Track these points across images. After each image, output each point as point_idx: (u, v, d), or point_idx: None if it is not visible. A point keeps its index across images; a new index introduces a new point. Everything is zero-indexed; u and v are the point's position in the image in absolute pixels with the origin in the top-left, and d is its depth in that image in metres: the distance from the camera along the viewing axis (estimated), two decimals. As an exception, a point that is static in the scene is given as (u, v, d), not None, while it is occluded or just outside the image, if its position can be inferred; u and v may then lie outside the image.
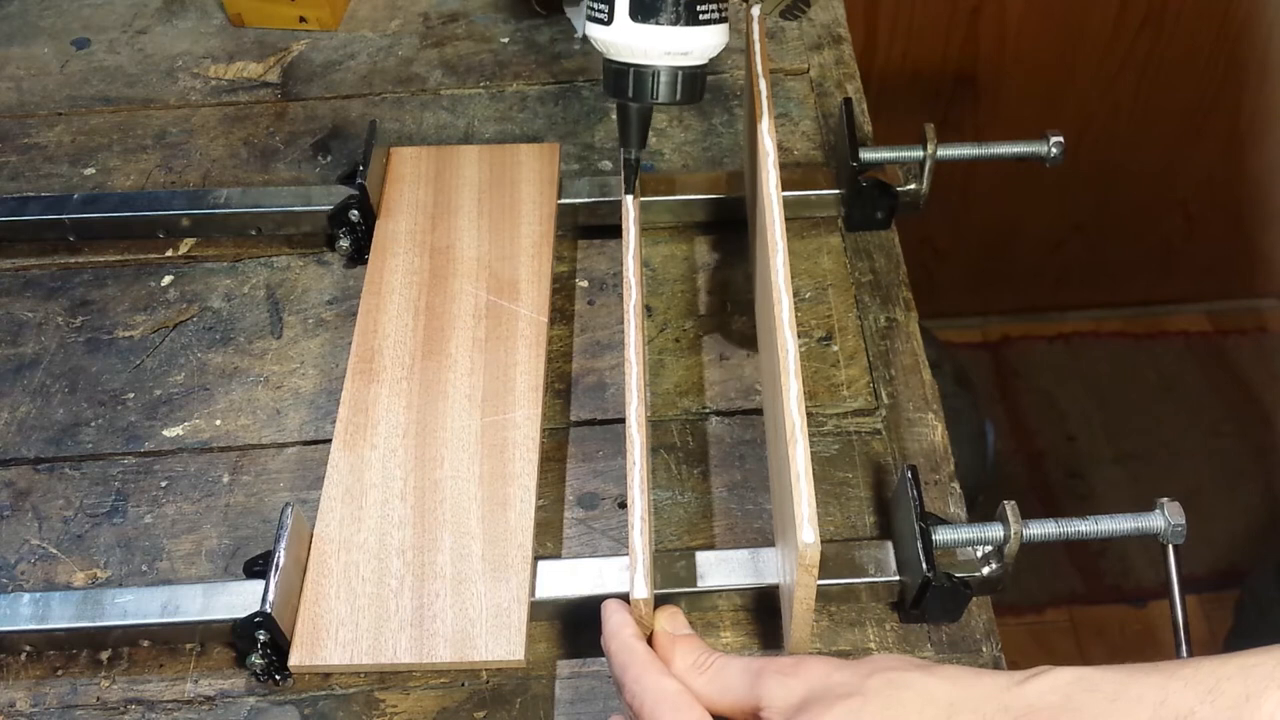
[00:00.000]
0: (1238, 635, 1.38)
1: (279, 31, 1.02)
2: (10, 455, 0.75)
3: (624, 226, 0.68)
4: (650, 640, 0.57)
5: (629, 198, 0.69)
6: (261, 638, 0.62)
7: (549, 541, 0.70)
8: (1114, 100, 1.57)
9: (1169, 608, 0.62)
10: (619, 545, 0.69)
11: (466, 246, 0.81)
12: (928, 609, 0.64)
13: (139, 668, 0.66)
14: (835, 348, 0.78)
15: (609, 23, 0.62)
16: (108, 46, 1.02)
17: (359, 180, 0.81)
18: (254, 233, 0.86)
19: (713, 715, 0.52)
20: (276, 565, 0.62)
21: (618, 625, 0.57)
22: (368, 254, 0.81)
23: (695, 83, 0.64)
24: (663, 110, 0.93)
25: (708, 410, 0.75)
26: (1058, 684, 0.47)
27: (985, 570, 0.63)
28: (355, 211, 0.82)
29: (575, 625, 0.66)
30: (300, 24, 1.01)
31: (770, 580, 0.65)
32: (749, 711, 0.52)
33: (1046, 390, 1.87)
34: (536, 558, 0.66)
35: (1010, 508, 0.61)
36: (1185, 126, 1.62)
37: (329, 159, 0.92)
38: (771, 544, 0.68)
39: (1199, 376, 1.87)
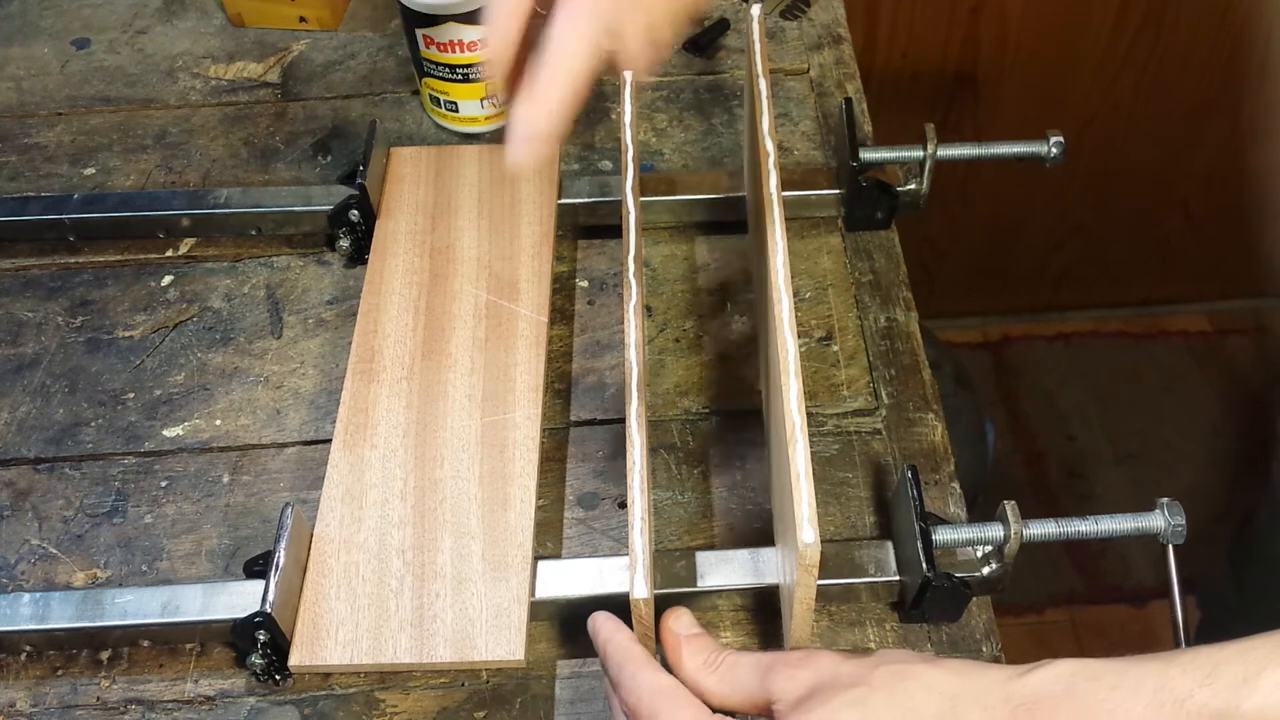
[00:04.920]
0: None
1: (279, 31, 1.02)
2: (10, 455, 0.75)
3: (624, 226, 0.68)
4: (658, 638, 0.57)
5: (629, 197, 0.69)
6: (261, 638, 0.62)
7: (549, 541, 0.70)
8: (1114, 100, 1.57)
9: (1169, 608, 0.63)
10: (619, 545, 0.69)
11: (466, 246, 0.81)
12: (928, 609, 0.64)
13: (139, 668, 0.66)
14: (835, 348, 0.78)
15: None
16: (108, 46, 1.02)
17: (359, 180, 0.81)
18: (254, 233, 0.86)
19: (725, 712, 0.52)
20: (276, 565, 0.62)
21: (612, 630, 0.56)
22: (368, 254, 0.81)
23: None
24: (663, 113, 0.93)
25: (708, 410, 0.75)
26: (1060, 674, 0.48)
27: (985, 570, 0.63)
28: (355, 211, 0.82)
29: (575, 625, 0.66)
30: (300, 24, 1.01)
31: (770, 580, 0.65)
32: (761, 707, 0.52)
33: (1046, 390, 1.87)
34: (536, 558, 0.66)
35: (1010, 508, 0.61)
36: (1185, 126, 1.62)
37: (329, 159, 0.92)
38: (771, 544, 0.68)
39: (1199, 376, 1.87)
